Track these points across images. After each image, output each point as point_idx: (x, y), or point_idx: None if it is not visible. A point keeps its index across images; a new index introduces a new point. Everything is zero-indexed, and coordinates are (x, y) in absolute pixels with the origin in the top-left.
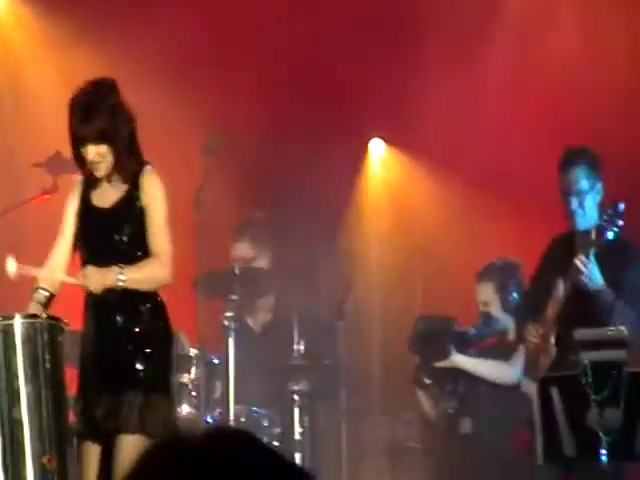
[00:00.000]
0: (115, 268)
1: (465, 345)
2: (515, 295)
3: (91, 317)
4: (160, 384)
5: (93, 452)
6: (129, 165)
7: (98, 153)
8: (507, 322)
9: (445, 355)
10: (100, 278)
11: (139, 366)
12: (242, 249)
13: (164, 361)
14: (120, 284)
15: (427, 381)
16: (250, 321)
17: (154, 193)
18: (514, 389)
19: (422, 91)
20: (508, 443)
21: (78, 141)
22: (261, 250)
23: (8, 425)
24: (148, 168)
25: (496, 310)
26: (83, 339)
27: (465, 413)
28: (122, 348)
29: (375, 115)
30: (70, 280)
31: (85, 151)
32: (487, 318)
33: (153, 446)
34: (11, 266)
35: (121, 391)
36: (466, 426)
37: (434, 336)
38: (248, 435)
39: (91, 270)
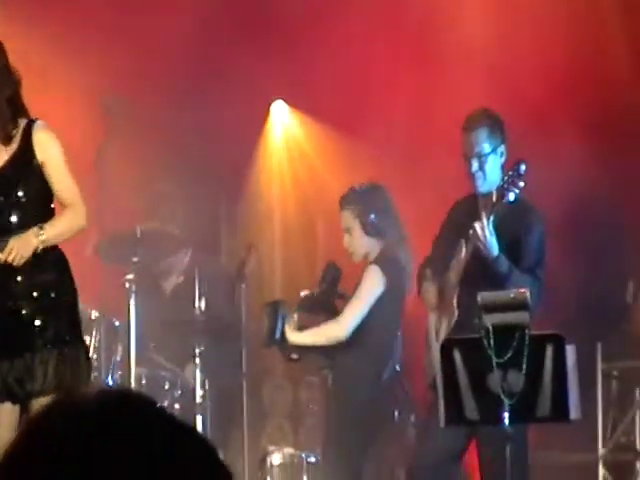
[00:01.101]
0: (34, 230)
1: (314, 310)
2: (374, 217)
3: None
4: (71, 338)
5: (10, 413)
6: (8, 125)
7: None
8: (370, 245)
9: (276, 340)
10: (24, 249)
11: (46, 323)
12: (147, 221)
13: (73, 315)
14: (42, 245)
15: (295, 356)
16: (164, 284)
17: (48, 145)
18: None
19: (325, 54)
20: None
21: None
22: (166, 218)
23: None
24: (39, 123)
25: (358, 234)
26: None
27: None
28: (27, 305)
29: (277, 77)
30: None
31: None
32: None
33: (40, 410)
34: None
35: (31, 351)
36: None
37: (269, 322)
38: (137, 395)
39: (13, 243)
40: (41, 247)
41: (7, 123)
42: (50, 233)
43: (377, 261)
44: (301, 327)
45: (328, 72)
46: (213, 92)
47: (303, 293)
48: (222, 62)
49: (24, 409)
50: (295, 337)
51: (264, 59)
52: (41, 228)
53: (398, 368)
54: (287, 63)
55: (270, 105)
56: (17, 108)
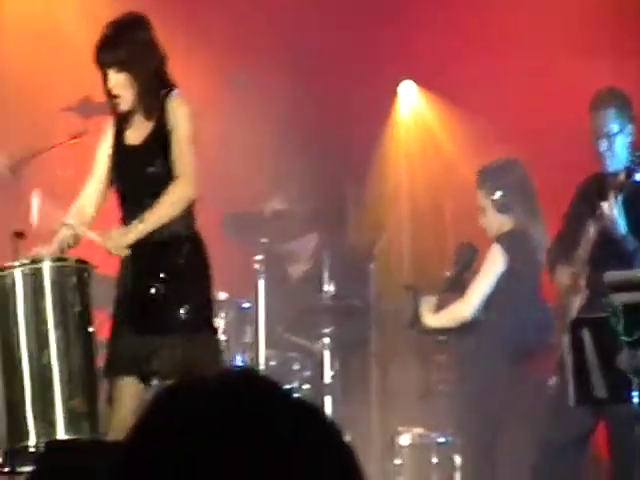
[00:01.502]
0: (134, 222)
1: (451, 291)
2: (503, 194)
3: (128, 257)
4: (203, 326)
5: (130, 390)
6: (153, 100)
7: (117, 82)
8: (500, 223)
9: (418, 324)
10: (121, 241)
11: (181, 307)
12: (276, 201)
13: (206, 302)
14: (145, 233)
15: (441, 338)
16: (290, 269)
17: (178, 113)
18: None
19: (454, 33)
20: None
21: (101, 69)
22: (293, 200)
23: (37, 369)
24: (174, 93)
25: (490, 212)
26: (120, 280)
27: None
28: (161, 289)
29: (405, 57)
30: (92, 236)
31: (107, 80)
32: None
33: (165, 388)
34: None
35: (163, 333)
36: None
37: (413, 306)
38: (266, 380)
39: (114, 233)
40: (142, 236)
41: (150, 96)
42: (150, 220)
43: (499, 239)
44: (439, 309)
45: (457, 52)
46: (340, 74)
47: (447, 274)
48: (348, 43)
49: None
50: (430, 320)
51: (391, 39)
52: (142, 217)
53: (531, 346)
54: (416, 43)
55: (398, 86)
56: (161, 83)
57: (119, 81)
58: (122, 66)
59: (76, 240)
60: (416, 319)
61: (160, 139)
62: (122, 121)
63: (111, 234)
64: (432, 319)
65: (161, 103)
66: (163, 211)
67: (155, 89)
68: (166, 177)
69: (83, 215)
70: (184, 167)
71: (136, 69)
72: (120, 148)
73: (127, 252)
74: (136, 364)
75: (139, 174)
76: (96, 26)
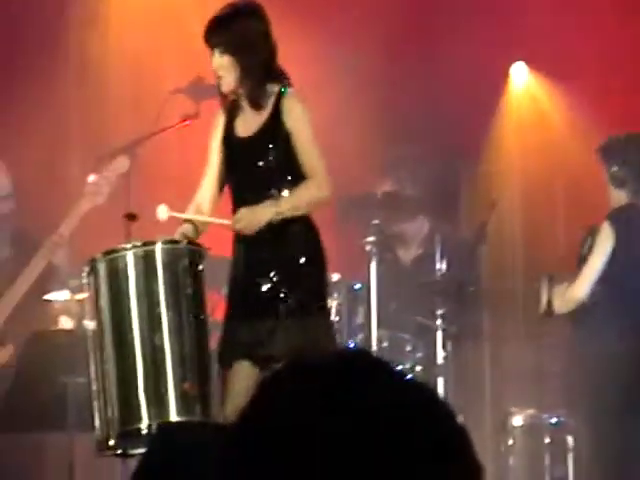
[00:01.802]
0: (268, 203)
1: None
2: (618, 169)
3: (241, 241)
4: (317, 309)
5: (244, 373)
6: (256, 89)
7: (220, 64)
8: (617, 198)
9: (549, 312)
10: (253, 220)
11: (294, 291)
12: (386, 184)
13: (320, 285)
14: (277, 217)
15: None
16: (401, 253)
17: (298, 114)
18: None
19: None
20: None
21: (209, 49)
22: (405, 182)
23: (150, 351)
24: (290, 91)
25: (609, 188)
26: (233, 264)
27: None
28: (276, 272)
29: (517, 38)
30: (220, 222)
31: (213, 60)
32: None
33: (275, 371)
34: (162, 213)
35: (276, 317)
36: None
37: (545, 293)
38: (377, 359)
39: (244, 213)
40: (276, 218)
41: (256, 88)
42: (286, 206)
43: (610, 215)
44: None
45: (570, 32)
46: (450, 58)
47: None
48: (458, 25)
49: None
50: (559, 306)
51: (503, 19)
52: (278, 201)
53: None
54: (527, 23)
55: (510, 67)
56: (270, 74)
57: (222, 63)
58: (226, 48)
59: (197, 234)
60: (550, 307)
61: (271, 133)
62: (232, 110)
63: (238, 216)
64: (560, 305)
65: (276, 99)
66: (298, 203)
67: (260, 79)
68: (277, 171)
69: (201, 212)
70: (316, 168)
71: (240, 54)
72: (231, 139)
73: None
74: (250, 348)
75: (250, 167)
76: (210, 6)
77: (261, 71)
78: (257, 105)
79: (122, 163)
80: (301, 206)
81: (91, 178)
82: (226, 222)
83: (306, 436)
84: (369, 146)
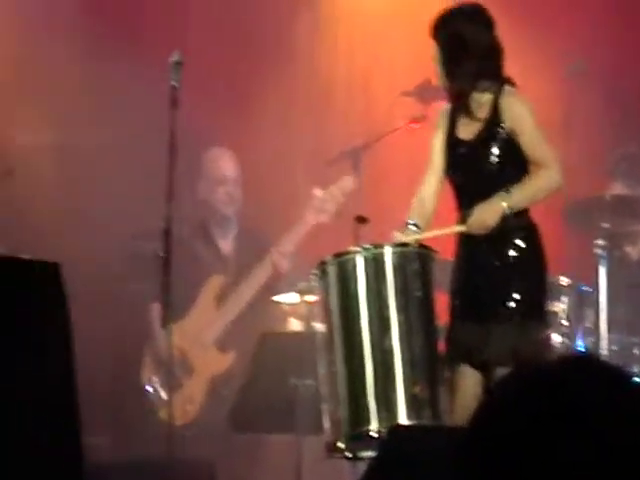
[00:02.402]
0: (498, 197)
1: None
2: None
3: (463, 245)
4: (535, 313)
5: (469, 377)
6: (464, 91)
7: (436, 59)
8: None
9: None
10: (487, 219)
11: (514, 295)
12: (615, 187)
13: (539, 289)
14: (510, 211)
15: None
16: (629, 249)
17: (517, 112)
18: None
19: None
20: None
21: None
22: (633, 183)
23: (379, 354)
24: (506, 89)
25: None
26: (455, 267)
27: None
28: (496, 276)
29: None
30: (453, 230)
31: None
32: None
33: (503, 377)
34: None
35: (494, 321)
36: None
37: None
38: (609, 366)
39: (475, 214)
40: (509, 212)
41: (465, 90)
42: (517, 196)
43: None
44: None
45: None
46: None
47: None
48: None
49: (485, 377)
50: None
51: None
52: (507, 191)
53: None
54: None
55: None
56: (484, 76)
57: (437, 59)
58: (441, 46)
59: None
60: None
61: (493, 136)
62: (455, 110)
63: (472, 219)
64: None
65: (494, 99)
66: (529, 191)
67: (470, 81)
68: (502, 172)
69: (424, 211)
70: (544, 157)
71: (450, 53)
72: (453, 141)
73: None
74: (469, 351)
75: (473, 169)
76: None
77: (469, 73)
78: (466, 109)
79: (348, 182)
80: (532, 195)
81: (317, 193)
82: (461, 229)
83: (543, 459)
84: (595, 147)
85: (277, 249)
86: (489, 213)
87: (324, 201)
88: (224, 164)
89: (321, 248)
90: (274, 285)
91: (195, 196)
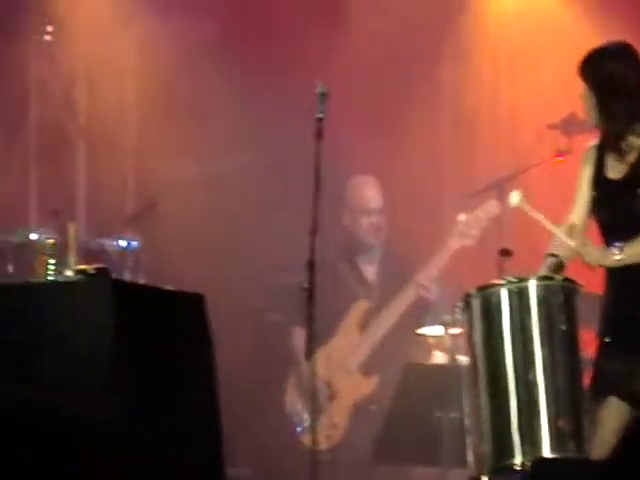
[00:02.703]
0: (612, 250)
1: None
2: None
3: (611, 280)
4: None
5: (615, 409)
6: (615, 133)
7: (585, 98)
8: None
9: None
10: (597, 258)
11: None
12: None
13: None
14: (619, 264)
15: None
16: None
17: None
18: None
19: None
20: None
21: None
22: None
23: (523, 387)
24: None
25: None
26: (604, 300)
27: None
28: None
29: None
30: (568, 242)
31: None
32: None
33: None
34: (514, 198)
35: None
36: None
37: None
38: None
39: (591, 247)
40: (620, 264)
41: (616, 131)
42: (628, 253)
43: None
44: None
45: None
46: None
47: None
48: None
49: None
50: None
51: None
52: (619, 247)
53: None
54: None
55: None
56: (636, 117)
57: (586, 98)
58: (590, 85)
59: (564, 268)
60: None
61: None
62: (603, 149)
63: (592, 250)
64: None
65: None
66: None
67: (621, 122)
68: None
69: (574, 230)
70: None
71: (601, 94)
72: (600, 179)
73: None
74: (617, 384)
75: (620, 208)
76: (587, 45)
77: (622, 114)
78: (617, 149)
79: (493, 206)
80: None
81: (462, 217)
82: (571, 243)
83: None
84: None
85: (421, 273)
86: (602, 256)
87: (468, 225)
88: (368, 193)
89: (467, 281)
90: (418, 311)
91: (339, 223)
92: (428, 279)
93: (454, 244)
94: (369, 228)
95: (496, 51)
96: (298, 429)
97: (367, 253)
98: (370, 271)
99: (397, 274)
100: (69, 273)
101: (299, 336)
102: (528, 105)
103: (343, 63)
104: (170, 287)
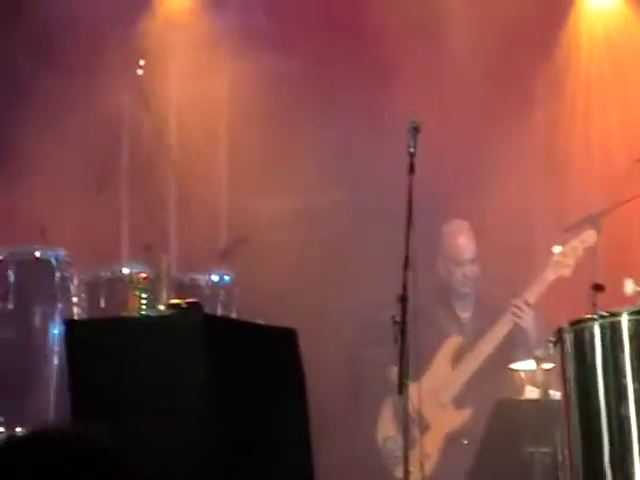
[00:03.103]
0: None
1: None
2: None
3: None
4: None
5: None
6: None
7: None
8: None
9: None
10: None
11: None
12: None
13: None
14: None
15: None
16: None
17: None
18: None
19: None
20: None
21: None
22: None
23: (616, 421)
24: None
25: None
26: None
27: None
28: None
29: None
30: None
31: None
32: None
33: None
34: (629, 287)
35: None
36: None
37: None
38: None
39: None
40: None
41: None
42: None
43: None
44: None
45: None
46: None
47: None
48: None
49: None
50: None
51: None
52: None
53: None
54: None
55: None
56: None
57: None
58: None
59: None
60: None
61: None
62: None
63: None
64: None
65: None
66: None
67: None
68: None
69: None
70: None
71: None
72: None
73: None
74: None
75: None
76: None
77: None
78: None
79: (589, 236)
80: None
81: (557, 249)
82: None
83: None
84: None
85: (516, 302)
86: None
87: (564, 255)
88: (462, 242)
89: (559, 316)
90: (511, 345)
91: (433, 266)
92: (524, 306)
93: (550, 275)
94: (462, 279)
95: (589, 77)
96: (389, 460)
97: (462, 300)
98: (464, 314)
99: (491, 315)
100: (162, 307)
101: (395, 371)
102: (620, 137)
103: (437, 99)
104: (261, 321)
